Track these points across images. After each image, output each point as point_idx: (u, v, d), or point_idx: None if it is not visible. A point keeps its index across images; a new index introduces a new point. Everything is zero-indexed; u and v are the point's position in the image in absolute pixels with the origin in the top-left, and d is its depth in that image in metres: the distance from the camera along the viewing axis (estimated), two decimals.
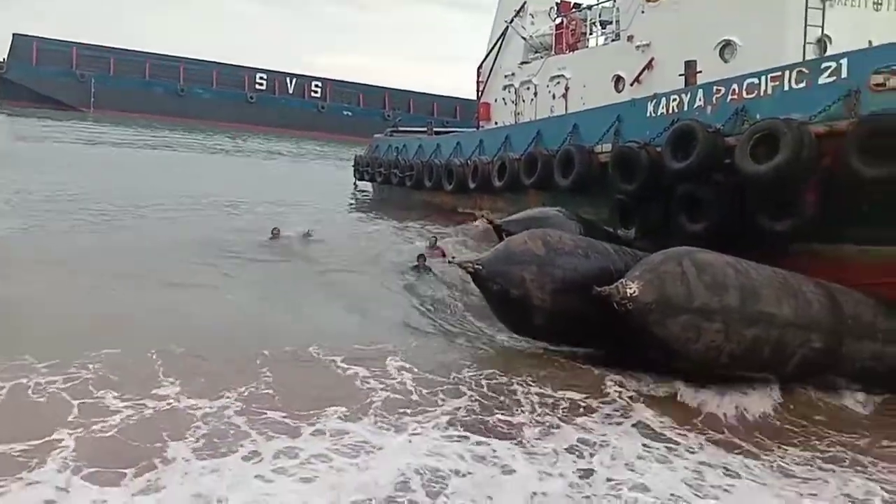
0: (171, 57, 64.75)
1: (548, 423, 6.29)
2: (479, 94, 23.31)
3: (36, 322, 7.82)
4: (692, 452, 6.04)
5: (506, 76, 21.57)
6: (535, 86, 19.87)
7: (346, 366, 7.17)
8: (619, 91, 16.09)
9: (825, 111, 8.68)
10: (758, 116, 9.37)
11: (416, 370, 7.23)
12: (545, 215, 10.12)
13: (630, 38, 16.00)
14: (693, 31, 14.01)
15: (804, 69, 9.23)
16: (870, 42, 11.12)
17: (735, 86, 9.98)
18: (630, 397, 6.90)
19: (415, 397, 6.64)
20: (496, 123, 21.60)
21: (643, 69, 15.44)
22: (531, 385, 7.00)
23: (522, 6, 21.72)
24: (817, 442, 6.66)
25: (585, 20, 18.96)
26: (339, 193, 27.03)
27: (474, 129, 22.47)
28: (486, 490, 5.15)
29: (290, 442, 5.57)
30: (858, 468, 6.17)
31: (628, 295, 6.41)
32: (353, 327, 9.01)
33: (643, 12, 15.67)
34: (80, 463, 4.97)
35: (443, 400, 6.61)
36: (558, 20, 20.08)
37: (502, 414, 6.41)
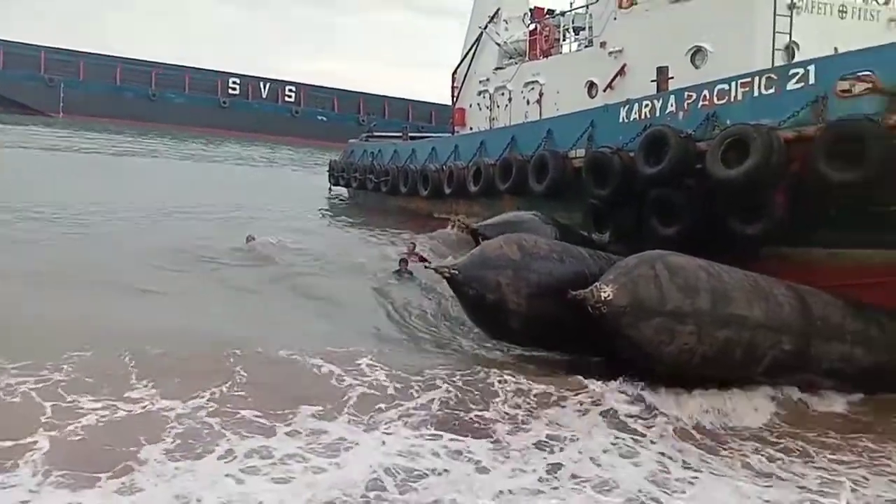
0: (142, 61, 64.00)
1: (519, 419, 6.39)
2: (454, 99, 23.37)
3: (6, 326, 7.67)
4: (654, 443, 6.22)
5: (480, 82, 21.65)
6: (510, 91, 19.96)
7: (320, 363, 7.17)
8: (592, 97, 16.22)
9: (794, 117, 8.85)
10: (728, 122, 9.52)
11: (389, 370, 7.25)
12: (521, 219, 10.19)
13: (603, 45, 16.14)
14: (665, 38, 14.17)
15: (773, 75, 9.40)
16: (835, 49, 11.35)
17: (706, 92, 10.13)
18: (599, 395, 6.98)
19: (390, 392, 6.70)
20: (471, 129, 21.67)
21: (616, 75, 15.58)
22: (505, 383, 7.09)
23: (496, 12, 21.84)
24: (775, 437, 6.83)
25: (559, 26, 19.10)
26: (314, 199, 26.88)
27: (449, 135, 22.52)
28: (460, 486, 5.21)
29: (264, 441, 5.59)
30: (815, 461, 6.37)
31: (602, 298, 6.48)
32: (328, 331, 8.98)
33: (615, 19, 15.84)
34: (54, 465, 4.93)
35: (416, 396, 6.67)
36: (532, 26, 20.20)
37: (477, 410, 6.48)
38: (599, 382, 7.05)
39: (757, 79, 9.53)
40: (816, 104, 8.73)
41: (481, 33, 21.91)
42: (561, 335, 7.69)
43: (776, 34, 12.07)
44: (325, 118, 66.98)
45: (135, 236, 14.49)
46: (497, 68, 21.06)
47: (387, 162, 22.52)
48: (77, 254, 12.31)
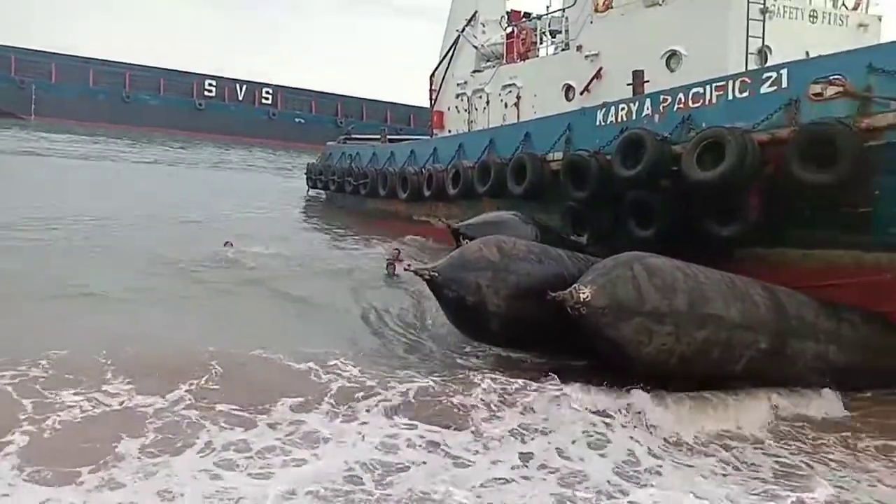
0: (116, 63, 63.22)
1: (494, 410, 6.53)
2: (432, 102, 23.42)
3: None
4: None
5: (458, 84, 21.72)
6: (488, 94, 20.05)
7: (297, 363, 7.21)
8: (569, 100, 16.35)
9: (767, 120, 8.98)
10: (703, 125, 9.63)
11: (365, 368, 7.34)
12: (501, 219, 10.21)
13: (579, 48, 16.29)
14: (640, 41, 14.34)
15: (747, 79, 9.54)
16: (807, 53, 11.56)
17: (681, 95, 10.24)
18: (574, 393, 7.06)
19: (367, 385, 6.79)
20: (449, 131, 21.73)
21: (592, 78, 15.73)
22: (481, 381, 7.19)
23: (474, 15, 21.94)
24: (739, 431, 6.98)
25: (535, 30, 19.23)
26: (291, 202, 26.78)
27: (428, 137, 22.55)
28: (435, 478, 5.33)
29: (243, 434, 5.68)
30: (770, 451, 6.61)
31: (581, 299, 6.52)
32: (305, 334, 8.99)
33: (591, 23, 15.99)
34: (32, 461, 4.95)
35: (392, 389, 6.77)
36: (509, 29, 20.31)
37: (452, 402, 6.61)
38: (578, 384, 7.11)
39: (731, 82, 9.66)
40: (789, 107, 8.86)
41: (458, 36, 22.00)
42: (540, 336, 7.72)
43: (749, 38, 12.27)
44: (302, 120, 66.69)
45: (108, 243, 14.27)
46: (475, 71, 21.15)
47: (365, 164, 22.48)
48: (47, 262, 12.11)
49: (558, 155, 12.48)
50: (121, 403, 6.01)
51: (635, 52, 14.09)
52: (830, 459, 6.56)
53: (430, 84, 23.52)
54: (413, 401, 6.58)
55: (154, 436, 5.51)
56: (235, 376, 6.74)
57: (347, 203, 23.95)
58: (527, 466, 5.67)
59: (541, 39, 19.01)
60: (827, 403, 7.83)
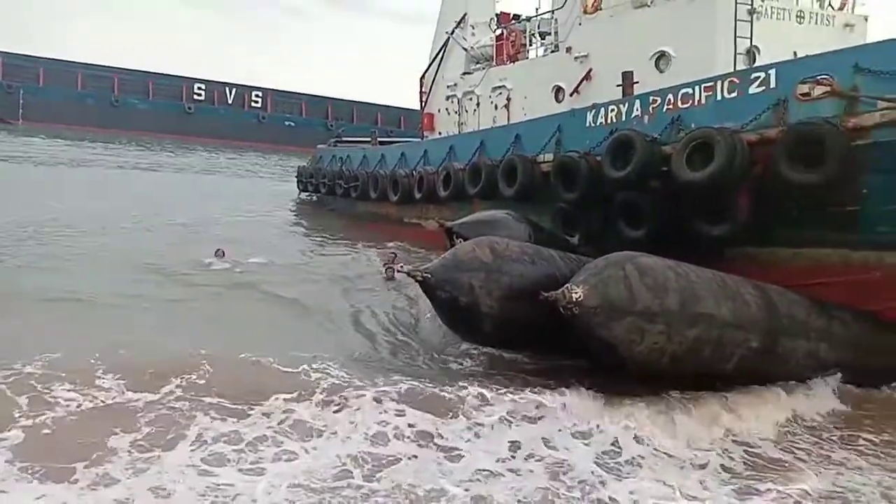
0: (104, 67, 62.97)
1: (487, 401, 6.68)
2: (423, 104, 23.45)
3: None
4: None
5: (448, 87, 21.76)
6: (478, 96, 20.10)
7: (288, 367, 7.24)
8: (559, 101, 16.42)
9: (756, 120, 9.05)
10: (692, 125, 9.68)
11: (356, 369, 7.43)
12: (495, 217, 10.20)
13: (569, 50, 16.36)
14: (629, 43, 14.42)
15: (735, 79, 9.60)
16: (794, 53, 11.66)
17: (670, 96, 10.30)
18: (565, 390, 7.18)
19: (358, 384, 6.88)
20: (440, 133, 21.76)
21: (582, 80, 15.80)
22: (472, 376, 7.38)
23: (463, 17, 21.99)
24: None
25: (525, 31, 19.30)
26: (282, 206, 26.68)
27: (419, 140, 22.58)
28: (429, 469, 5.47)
29: (234, 426, 5.82)
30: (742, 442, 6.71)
31: (574, 300, 6.54)
32: (298, 337, 8.96)
33: (581, 24, 16.06)
34: (28, 458, 5.01)
35: (381, 385, 6.89)
36: (498, 31, 20.38)
37: (443, 395, 6.76)
38: (573, 381, 7.18)
39: (720, 83, 9.72)
40: (778, 107, 8.93)
41: (448, 38, 22.04)
42: (533, 337, 7.75)
43: (737, 39, 12.37)
44: (292, 123, 66.58)
45: (97, 251, 14.19)
46: (465, 73, 21.21)
47: (356, 167, 22.47)
48: (35, 269, 12.07)
49: (549, 156, 12.51)
50: (113, 399, 6.12)
51: (624, 54, 14.17)
52: (820, 454, 6.65)
53: (421, 86, 23.56)
54: (405, 395, 6.71)
55: (147, 430, 5.62)
56: (225, 374, 6.84)
57: (338, 206, 23.94)
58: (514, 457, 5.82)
59: (530, 41, 19.08)
60: (822, 398, 7.91)
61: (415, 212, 18.09)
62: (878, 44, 8.88)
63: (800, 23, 13.72)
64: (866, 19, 14.58)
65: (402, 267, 7.63)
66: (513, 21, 20.93)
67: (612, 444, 6.25)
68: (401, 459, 5.62)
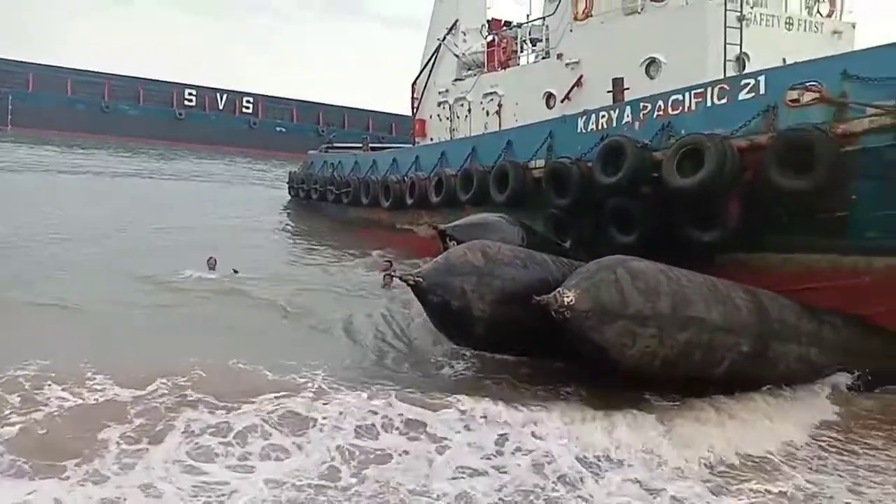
0: (94, 73, 62.56)
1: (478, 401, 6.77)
2: (414, 110, 23.45)
3: None
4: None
5: (440, 93, 21.78)
6: (469, 102, 20.13)
7: (271, 374, 7.28)
8: (550, 107, 16.46)
9: (746, 126, 9.11)
10: (683, 132, 9.74)
11: (344, 375, 7.49)
12: (488, 220, 10.21)
13: (559, 56, 16.42)
14: (620, 49, 14.48)
15: (725, 86, 9.67)
16: (783, 59, 11.76)
17: (661, 102, 10.36)
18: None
19: (343, 391, 6.93)
20: (432, 140, 21.77)
21: (573, 86, 15.85)
22: (462, 376, 7.51)
23: (454, 24, 22.01)
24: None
25: (516, 38, 19.36)
26: (274, 212, 26.59)
27: (410, 146, 22.59)
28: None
29: (223, 418, 5.96)
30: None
31: (565, 303, 6.56)
32: (287, 346, 8.99)
33: (571, 31, 16.12)
34: (19, 455, 5.07)
35: (372, 388, 6.98)
36: (490, 38, 20.45)
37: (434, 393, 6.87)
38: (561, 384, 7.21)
39: (710, 89, 9.79)
40: (767, 113, 9.00)
41: (440, 45, 22.07)
42: (525, 341, 7.76)
43: (727, 46, 12.43)
44: (283, 129, 66.38)
45: (86, 258, 14.13)
46: (456, 79, 21.23)
47: (347, 173, 22.46)
48: (24, 276, 12.02)
49: (540, 162, 12.56)
50: (103, 398, 6.22)
51: (615, 60, 14.23)
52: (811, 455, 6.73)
53: (412, 92, 23.56)
54: (394, 394, 6.81)
55: (137, 424, 5.75)
56: (214, 376, 6.91)
57: (330, 212, 23.89)
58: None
59: (521, 48, 19.13)
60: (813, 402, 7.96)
61: (407, 217, 18.08)
62: (866, 51, 8.96)
63: (789, 30, 13.84)
64: (854, 26, 14.71)
65: (394, 271, 7.62)
66: (504, 28, 21.01)
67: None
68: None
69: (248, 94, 68.57)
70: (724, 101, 9.56)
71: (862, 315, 8.84)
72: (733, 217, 9.22)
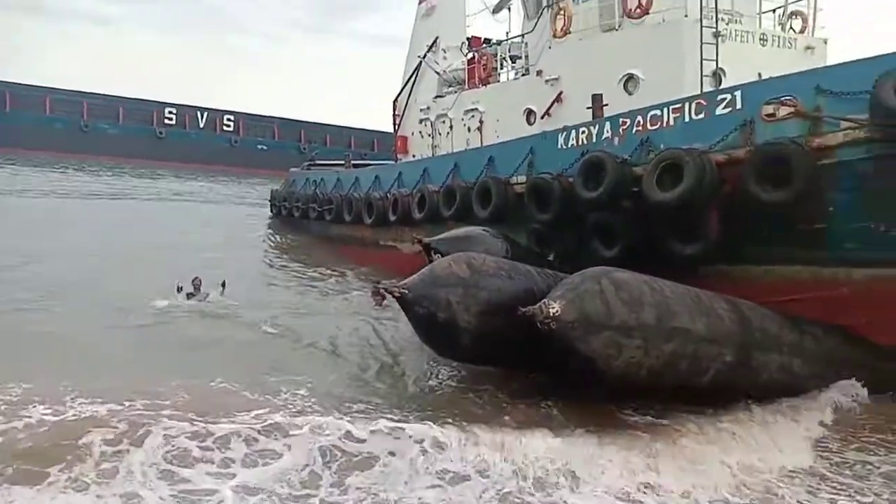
0: (73, 91, 62.14)
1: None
2: (396, 127, 23.54)
3: None
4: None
5: (421, 110, 21.88)
6: (451, 119, 20.24)
7: (255, 395, 7.30)
8: (530, 124, 16.58)
9: (723, 140, 9.26)
10: (662, 146, 9.86)
11: (329, 393, 7.56)
12: (472, 234, 10.26)
13: (539, 73, 16.57)
14: (598, 66, 14.65)
15: (702, 101, 9.82)
16: (759, 74, 11.98)
17: (640, 118, 10.47)
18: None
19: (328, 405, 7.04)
20: (414, 156, 21.84)
21: (553, 102, 15.99)
22: (450, 388, 7.50)
23: (435, 41, 22.16)
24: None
25: (496, 55, 19.53)
26: (256, 229, 26.48)
27: (393, 162, 22.64)
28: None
29: (202, 426, 6.05)
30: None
31: (551, 314, 6.60)
32: (270, 365, 8.97)
33: (550, 48, 16.29)
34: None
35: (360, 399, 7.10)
36: (470, 55, 20.58)
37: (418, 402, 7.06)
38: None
39: (687, 104, 9.93)
40: (744, 128, 9.15)
41: (420, 62, 22.20)
42: (511, 352, 7.79)
43: (703, 61, 12.64)
44: (264, 147, 66.19)
45: (65, 285, 13.88)
46: (437, 96, 21.34)
47: (330, 190, 22.42)
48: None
49: (522, 178, 12.62)
50: (84, 412, 6.30)
51: (594, 76, 14.40)
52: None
53: (394, 109, 23.65)
54: (381, 404, 7.04)
55: (118, 432, 5.84)
56: (196, 392, 6.98)
57: (312, 229, 23.83)
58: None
59: (501, 65, 19.29)
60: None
61: (390, 234, 18.08)
62: (838, 66, 9.15)
63: (763, 45, 14.09)
64: (826, 42, 15.03)
65: (380, 283, 7.62)
66: (484, 45, 21.17)
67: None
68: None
69: (229, 112, 68.35)
70: (701, 115, 9.70)
71: (843, 325, 8.98)
72: (713, 230, 9.34)
